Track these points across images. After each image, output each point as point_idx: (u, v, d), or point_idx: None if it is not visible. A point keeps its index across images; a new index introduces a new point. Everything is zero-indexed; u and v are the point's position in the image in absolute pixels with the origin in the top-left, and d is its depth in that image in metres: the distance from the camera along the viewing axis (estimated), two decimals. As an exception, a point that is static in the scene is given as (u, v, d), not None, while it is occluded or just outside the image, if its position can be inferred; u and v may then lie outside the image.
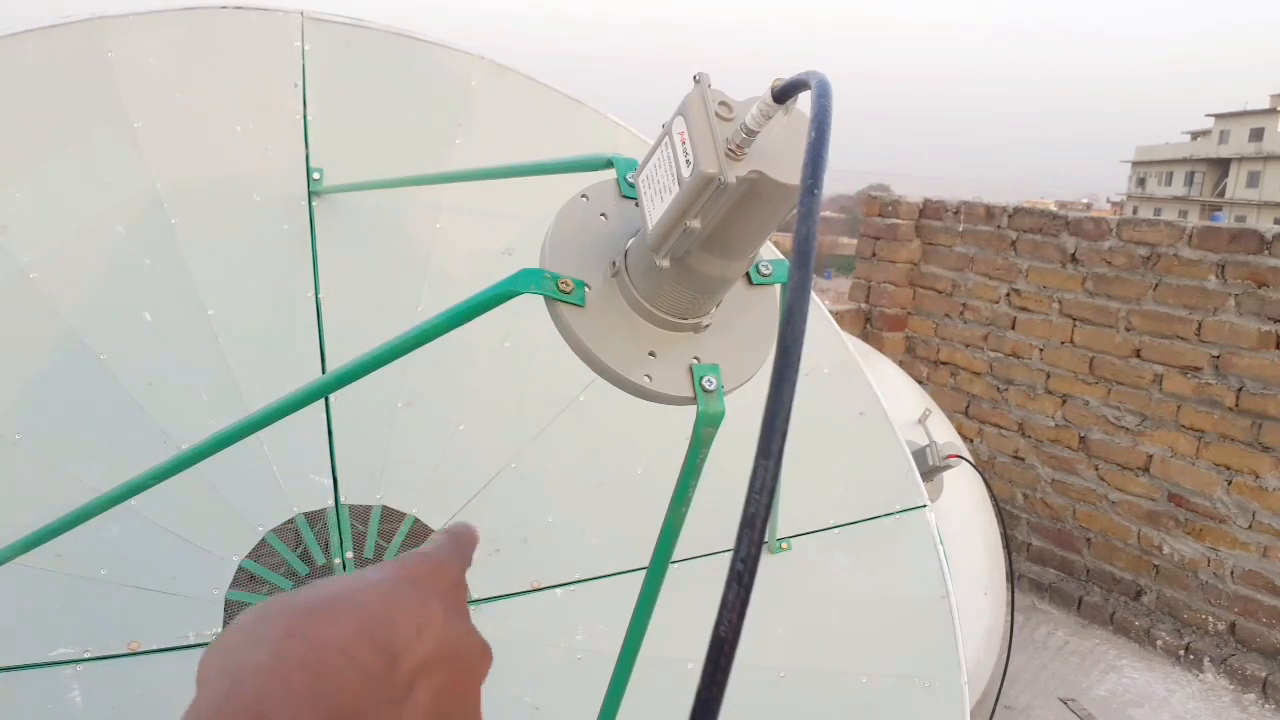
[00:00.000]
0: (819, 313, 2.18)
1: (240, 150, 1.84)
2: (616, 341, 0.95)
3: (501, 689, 1.86)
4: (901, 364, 5.27)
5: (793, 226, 0.63)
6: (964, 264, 5.13)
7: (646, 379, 0.95)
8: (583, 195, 1.00)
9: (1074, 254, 4.66)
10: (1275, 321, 4.02)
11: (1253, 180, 55.74)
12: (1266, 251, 4.05)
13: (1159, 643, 4.37)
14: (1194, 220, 4.56)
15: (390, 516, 1.88)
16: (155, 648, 1.64)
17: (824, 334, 2.14)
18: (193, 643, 1.67)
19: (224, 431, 1.21)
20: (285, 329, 1.84)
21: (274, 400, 1.18)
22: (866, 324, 5.56)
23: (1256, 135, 56.29)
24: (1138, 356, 4.47)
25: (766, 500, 0.54)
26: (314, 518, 1.82)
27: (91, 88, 1.73)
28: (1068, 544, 4.84)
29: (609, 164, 1.03)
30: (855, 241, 5.82)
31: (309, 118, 1.89)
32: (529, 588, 1.91)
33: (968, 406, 5.21)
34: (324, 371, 1.82)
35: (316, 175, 1.88)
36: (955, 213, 5.18)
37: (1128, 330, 4.48)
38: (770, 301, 1.03)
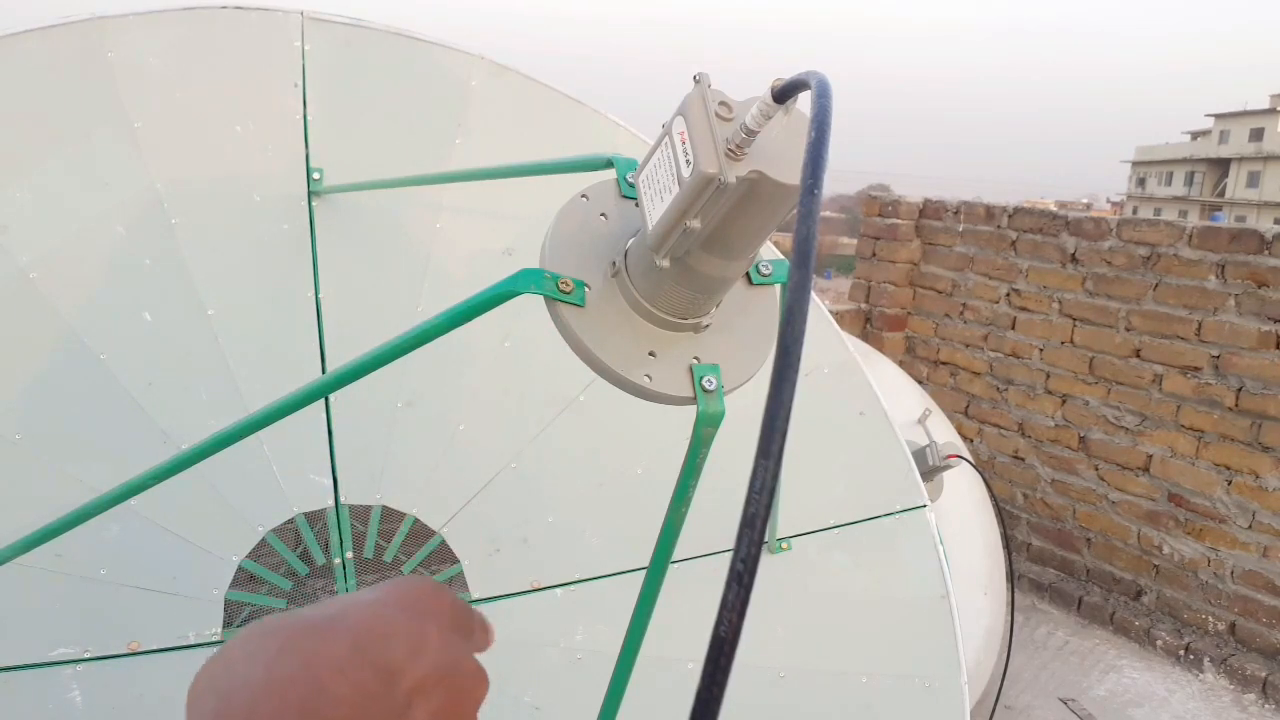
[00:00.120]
0: (819, 313, 2.18)
1: (240, 150, 1.84)
2: (616, 341, 0.95)
3: (502, 689, 1.85)
4: (901, 364, 5.27)
5: (793, 226, 0.63)
6: (964, 264, 5.13)
7: (646, 379, 0.95)
8: (583, 195, 1.00)
9: (1074, 254, 4.66)
10: (1275, 321, 4.02)
11: (1253, 180, 55.73)
12: (1266, 251, 4.05)
13: (1159, 643, 4.37)
14: (1194, 220, 4.56)
15: (390, 516, 1.88)
16: (155, 648, 1.64)
17: (824, 334, 2.14)
18: (193, 643, 1.67)
19: (224, 431, 1.21)
20: (285, 329, 1.84)
21: (274, 400, 1.18)
22: (866, 324, 5.56)
23: (1256, 135, 56.28)
24: (1138, 356, 4.47)
25: (766, 500, 0.54)
26: (314, 518, 1.82)
27: (91, 88, 1.73)
28: (1068, 544, 4.84)
29: (609, 164, 1.03)
30: (855, 241, 5.82)
31: (309, 118, 1.89)
32: (529, 588, 1.91)
33: (968, 406, 5.21)
34: (324, 371, 1.82)
35: (316, 175, 1.88)
36: (955, 213, 5.18)
37: (1128, 330, 4.48)
38: (770, 301, 1.03)
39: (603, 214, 0.99)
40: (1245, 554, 4.18)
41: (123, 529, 1.64)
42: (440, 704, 0.53)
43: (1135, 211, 56.48)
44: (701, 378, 0.95)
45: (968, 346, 5.16)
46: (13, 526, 1.43)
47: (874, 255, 5.47)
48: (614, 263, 0.96)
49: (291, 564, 1.83)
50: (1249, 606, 4.19)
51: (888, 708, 1.94)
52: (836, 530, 2.04)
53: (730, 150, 0.79)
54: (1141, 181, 66.35)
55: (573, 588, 1.92)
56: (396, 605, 0.56)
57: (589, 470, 2.00)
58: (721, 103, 0.82)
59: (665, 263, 0.89)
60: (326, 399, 1.84)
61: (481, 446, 1.94)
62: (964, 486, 3.49)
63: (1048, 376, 4.82)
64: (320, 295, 1.86)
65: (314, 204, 1.88)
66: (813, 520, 2.03)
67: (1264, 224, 4.53)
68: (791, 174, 0.80)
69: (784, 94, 0.76)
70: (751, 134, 0.79)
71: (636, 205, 0.93)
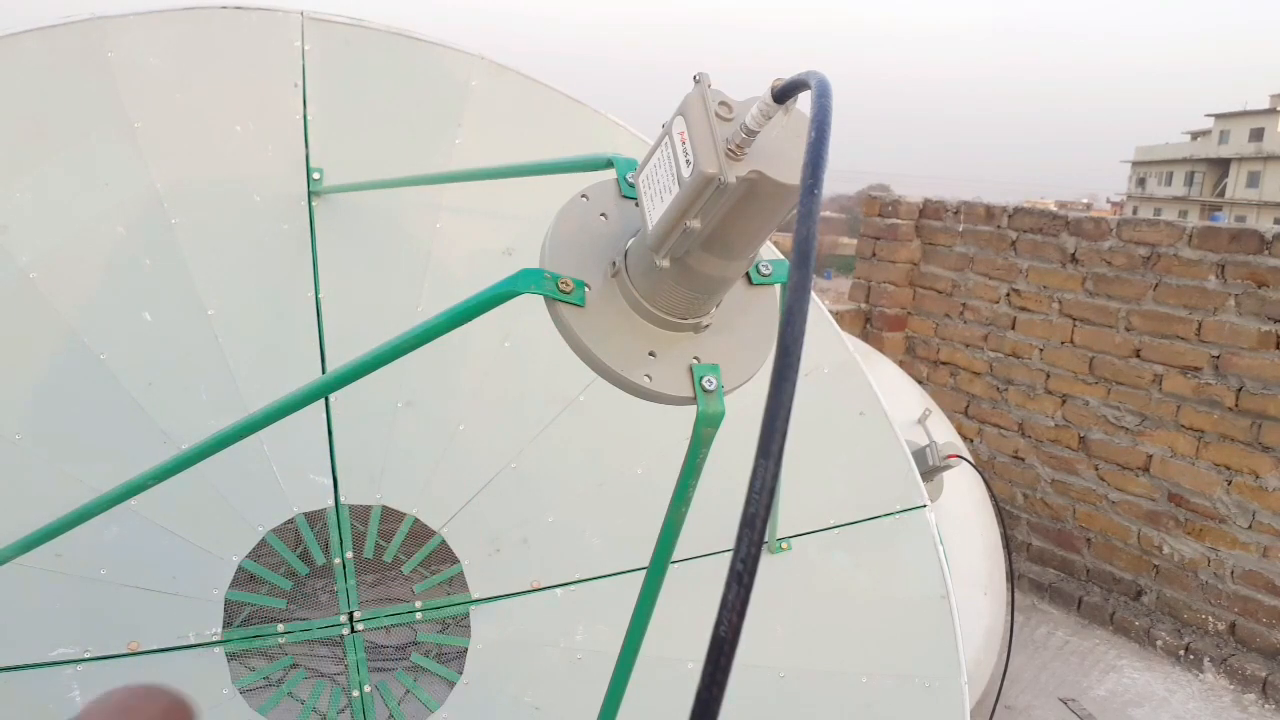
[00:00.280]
0: (819, 313, 2.18)
1: (240, 150, 1.84)
2: (616, 341, 0.95)
3: (501, 689, 1.86)
4: (901, 364, 5.27)
5: (793, 226, 0.64)
6: (964, 264, 5.13)
7: (646, 379, 0.95)
8: (583, 195, 1.00)
9: (1074, 254, 4.66)
10: (1275, 321, 4.02)
11: (1253, 180, 55.73)
12: (1266, 251, 4.05)
13: (1159, 643, 4.37)
14: (1194, 220, 4.56)
15: (390, 516, 1.88)
16: (155, 648, 1.64)
17: (824, 334, 2.14)
18: (193, 643, 1.67)
19: (224, 431, 1.21)
20: (285, 329, 1.84)
21: (274, 400, 1.18)
22: (866, 324, 5.56)
23: (1256, 135, 56.28)
24: (1138, 356, 4.47)
25: (766, 500, 0.54)
26: (314, 518, 1.82)
27: (91, 88, 1.73)
28: (1068, 544, 4.84)
29: (609, 164, 1.03)
30: (855, 241, 5.82)
31: (309, 118, 1.89)
32: (529, 588, 1.91)
33: (968, 406, 5.21)
34: (324, 371, 1.82)
35: (316, 175, 1.88)
36: (955, 213, 5.18)
37: (1128, 330, 4.48)
38: (770, 301, 1.03)
39: (603, 214, 1.00)
40: (1245, 554, 4.19)
41: (123, 529, 1.64)
42: None
43: (1135, 211, 56.47)
44: (701, 378, 0.95)
45: (968, 346, 5.16)
46: (13, 526, 1.43)
47: (874, 255, 5.47)
48: (614, 263, 0.96)
49: (291, 564, 1.83)
50: (1249, 606, 4.20)
51: (888, 708, 1.94)
52: (836, 530, 2.04)
53: (730, 150, 0.79)
54: (1141, 181, 66.35)
55: (573, 588, 1.92)
56: (104, 715, 0.60)
57: (589, 470, 2.00)
58: (721, 103, 0.82)
59: (665, 263, 0.89)
60: (326, 399, 1.84)
61: (481, 446, 1.94)
62: (964, 486, 3.49)
63: (1048, 376, 4.82)
64: (320, 295, 1.86)
65: (314, 204, 1.88)
66: (813, 520, 2.03)
67: (1264, 224, 4.53)
68: (791, 174, 0.80)
69: (784, 94, 0.76)
70: (751, 134, 0.79)
71: (636, 205, 0.93)
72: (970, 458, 3.25)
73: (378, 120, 1.97)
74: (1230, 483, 4.23)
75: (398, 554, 2.10)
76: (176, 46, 1.82)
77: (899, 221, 5.35)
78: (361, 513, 1.84)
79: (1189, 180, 61.74)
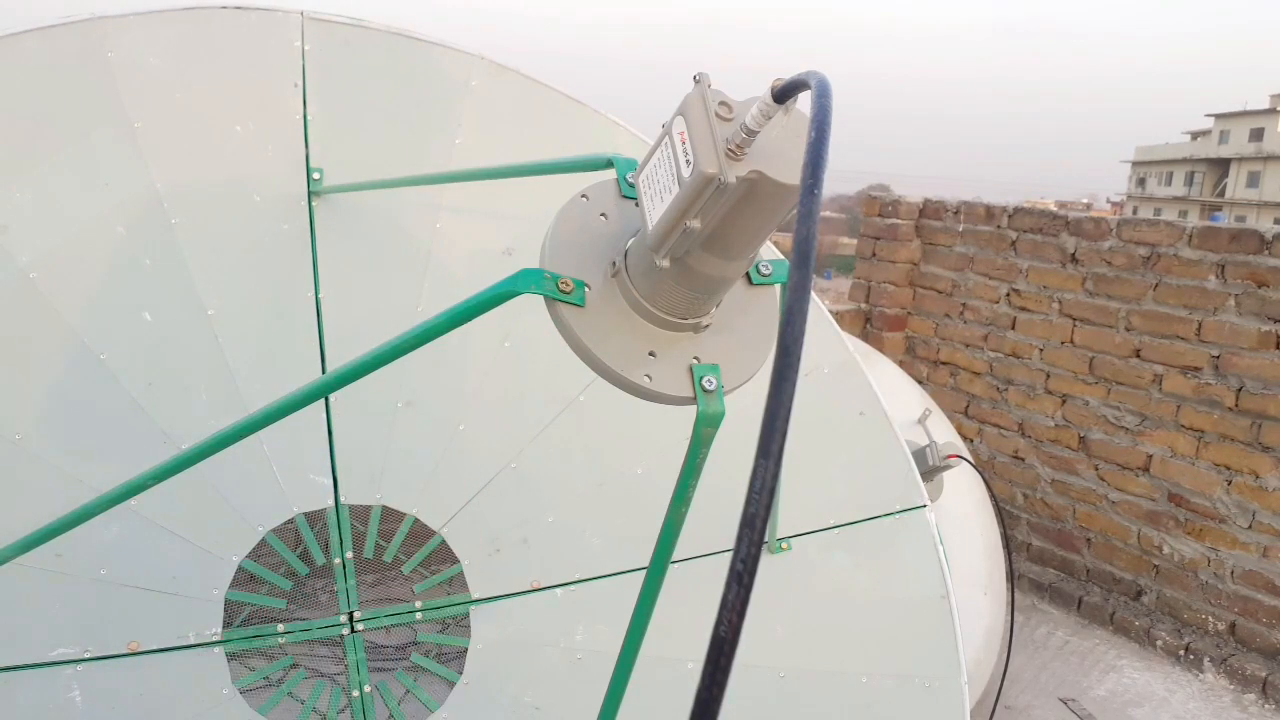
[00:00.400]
0: (819, 313, 2.18)
1: (240, 150, 1.84)
2: (616, 341, 0.95)
3: (501, 689, 1.86)
4: (901, 364, 5.27)
5: (793, 226, 0.64)
6: (964, 264, 5.13)
7: (646, 379, 0.95)
8: (583, 195, 1.00)
9: (1074, 254, 4.66)
10: (1275, 321, 4.02)
11: (1253, 180, 55.72)
12: (1266, 251, 4.05)
13: (1159, 643, 4.37)
14: (1194, 220, 4.56)
15: (390, 516, 1.88)
16: (155, 648, 1.64)
17: (824, 334, 2.14)
18: (193, 643, 1.67)
19: (224, 431, 1.21)
20: (285, 329, 1.84)
21: (274, 400, 1.18)
22: (866, 324, 5.56)
23: (1256, 135, 56.27)
24: (1138, 356, 4.47)
25: (766, 500, 0.54)
26: (314, 518, 1.82)
27: (91, 88, 1.73)
28: (1068, 544, 4.84)
29: (609, 164, 1.03)
30: (855, 241, 5.82)
31: (309, 118, 1.89)
32: (529, 588, 1.91)
33: (968, 406, 5.21)
34: (324, 371, 1.82)
35: (316, 175, 1.88)
36: (955, 213, 5.18)
37: (1128, 330, 4.48)
38: (770, 301, 1.03)
39: (603, 214, 1.00)
40: (1245, 554, 4.19)
41: (123, 529, 1.64)
42: None
43: (1135, 211, 56.45)
44: (701, 378, 0.95)
45: (968, 346, 5.16)
46: (13, 526, 1.43)
47: (874, 255, 5.47)
48: (614, 263, 0.96)
49: (291, 564, 1.83)
50: (1249, 606, 4.20)
51: (888, 708, 1.94)
52: (836, 530, 2.04)
53: (730, 150, 0.79)
54: (1141, 181, 66.34)
55: (573, 588, 1.92)
56: None
57: (589, 470, 2.00)
58: (721, 103, 0.82)
59: (665, 263, 0.89)
60: (326, 399, 1.84)
61: (481, 446, 1.94)
62: (964, 486, 3.49)
63: (1048, 376, 4.82)
64: (320, 295, 1.86)
65: (314, 204, 1.88)
66: (813, 520, 2.03)
67: (1264, 224, 4.53)
68: (791, 174, 0.80)
69: (784, 94, 0.76)
70: (751, 134, 0.79)
71: (636, 205, 0.93)
72: (970, 458, 3.25)
73: (378, 120, 1.97)
74: (1230, 483, 4.23)
75: (398, 554, 2.10)
76: (176, 46, 1.82)
77: (899, 221, 5.35)
78: (361, 513, 1.84)
79: (1189, 180, 61.73)
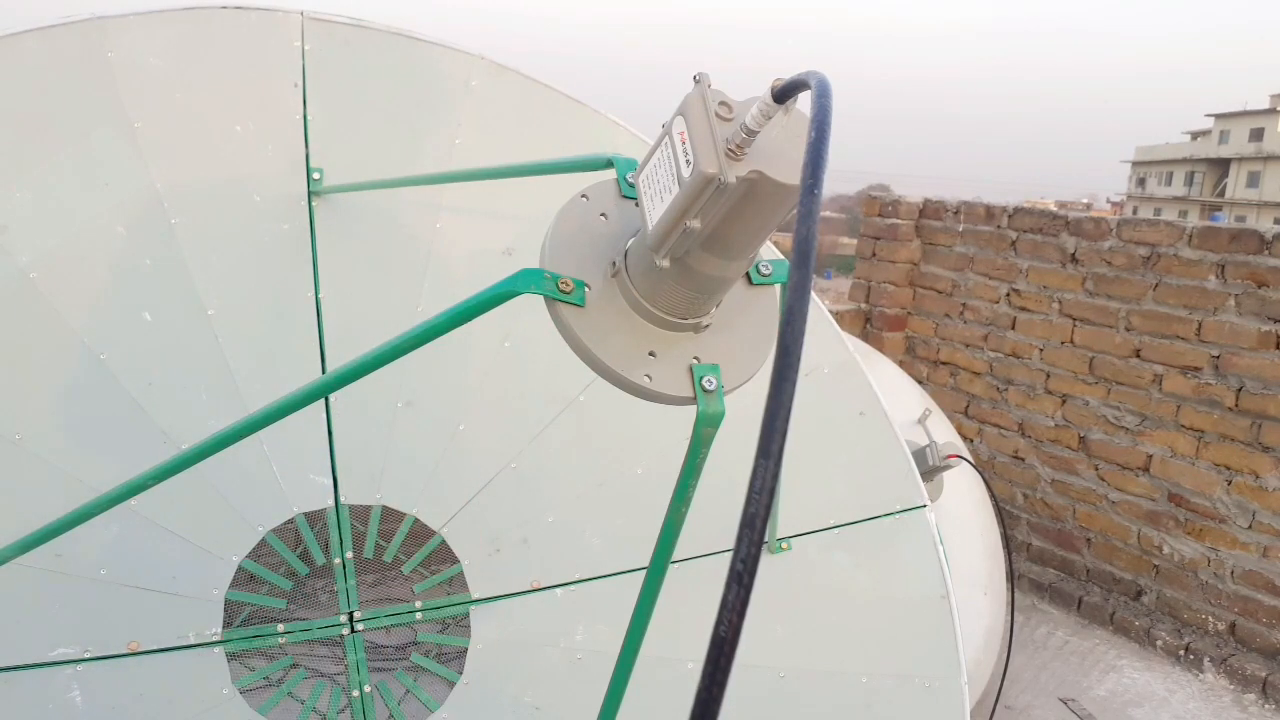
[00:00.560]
0: (819, 313, 2.18)
1: (240, 150, 1.84)
2: (616, 341, 0.95)
3: (502, 689, 1.86)
4: (901, 364, 5.27)
5: (793, 226, 0.64)
6: (964, 264, 5.13)
7: (646, 379, 0.95)
8: (583, 195, 1.00)
9: (1074, 254, 4.66)
10: (1275, 321, 4.02)
11: (1253, 180, 55.70)
12: (1266, 251, 4.05)
13: (1159, 643, 4.37)
14: (1194, 220, 4.56)
15: (390, 516, 1.88)
16: (155, 648, 1.64)
17: (824, 334, 2.14)
18: (192, 643, 1.67)
19: (224, 431, 1.21)
20: (285, 329, 1.84)
21: (274, 400, 1.18)
22: (866, 324, 5.56)
23: (1256, 135, 56.26)
24: (1138, 356, 4.47)
25: (766, 500, 0.54)
26: (314, 518, 1.82)
27: (91, 88, 1.73)
28: (1068, 544, 4.84)
29: (609, 164, 1.03)
30: (855, 241, 5.82)
31: (309, 118, 1.89)
32: (529, 588, 1.91)
33: (968, 406, 5.21)
34: (324, 371, 1.82)
35: (316, 175, 1.88)
36: (955, 213, 5.18)
37: (1128, 330, 4.48)
38: (770, 301, 1.03)
39: (603, 214, 1.00)
40: (1245, 554, 4.19)
41: (123, 529, 1.64)
42: None
43: (1135, 211, 56.44)
44: (701, 378, 0.95)
45: (968, 346, 5.16)
46: (13, 526, 1.43)
47: (874, 255, 5.47)
48: (614, 263, 0.96)
49: (291, 564, 1.83)
50: (1249, 606, 4.20)
51: (888, 708, 1.94)
52: (836, 530, 2.04)
53: (730, 150, 0.79)
54: (1141, 181, 66.33)
55: (573, 588, 1.92)
56: None
57: (589, 470, 2.00)
58: (721, 103, 0.82)
59: (665, 263, 0.89)
60: (326, 399, 1.84)
61: (481, 446, 1.94)
62: (964, 486, 3.49)
63: (1048, 376, 4.82)
64: (320, 295, 1.86)
65: (314, 204, 1.88)
66: (813, 520, 2.03)
67: (1264, 224, 4.53)
68: (791, 174, 0.80)
69: (784, 94, 0.76)
70: (751, 134, 0.79)
71: (636, 205, 0.93)
72: (970, 458, 3.25)
73: (378, 120, 1.97)
74: (1230, 483, 4.23)
75: (398, 554, 2.10)
76: (176, 46, 1.82)
77: (899, 221, 5.35)
78: (361, 513, 1.84)
79: (1189, 180, 61.71)
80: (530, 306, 1.02)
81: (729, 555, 0.52)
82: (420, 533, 1.90)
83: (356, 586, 1.84)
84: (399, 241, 1.97)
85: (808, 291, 0.58)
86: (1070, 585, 4.83)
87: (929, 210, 5.35)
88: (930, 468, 2.96)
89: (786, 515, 1.98)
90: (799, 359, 0.56)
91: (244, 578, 1.74)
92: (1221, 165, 59.28)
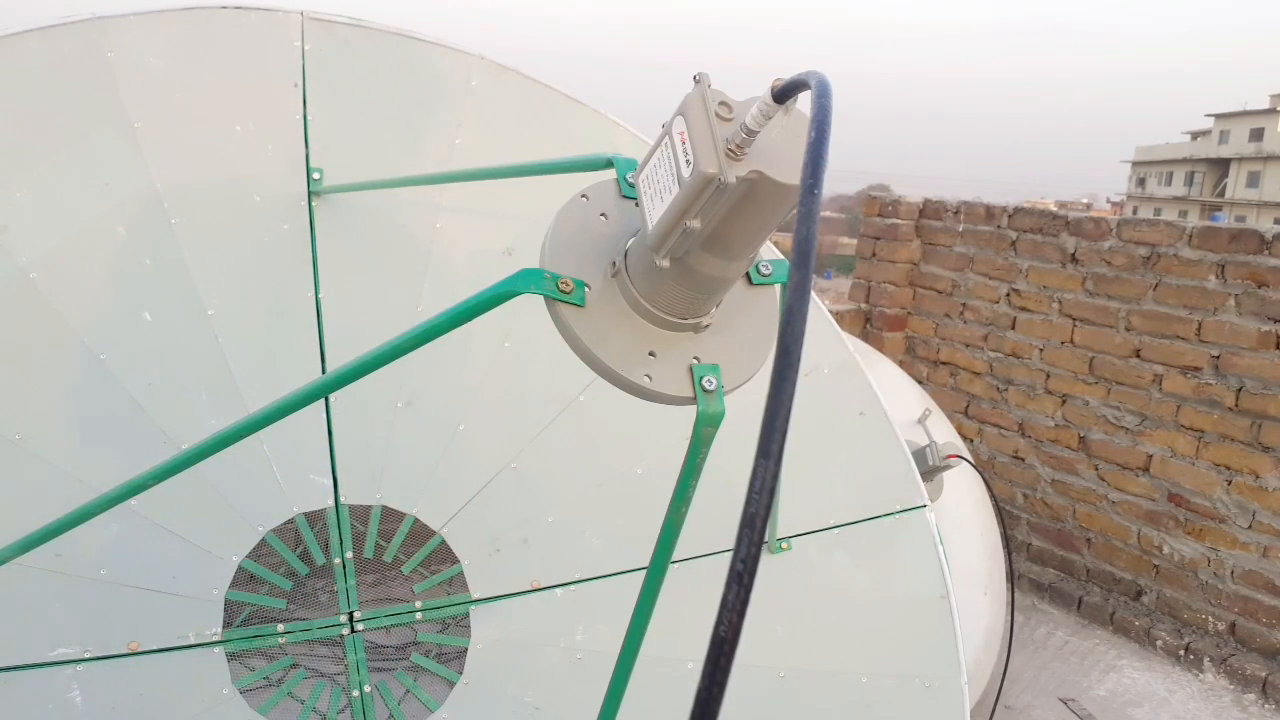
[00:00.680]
0: (819, 313, 2.18)
1: (240, 150, 1.84)
2: (616, 341, 0.95)
3: (502, 689, 1.86)
4: (901, 364, 5.27)
5: (793, 226, 0.64)
6: (964, 264, 5.13)
7: (646, 379, 0.95)
8: (583, 195, 1.00)
9: (1074, 254, 4.66)
10: (1275, 321, 4.02)
11: (1253, 180, 55.69)
12: (1266, 251, 4.05)
13: (1159, 643, 4.37)
14: (1194, 220, 4.56)
15: (390, 516, 1.88)
16: (155, 648, 1.64)
17: (824, 334, 2.14)
18: (192, 643, 1.67)
19: (224, 431, 1.21)
20: (285, 329, 1.84)
21: (274, 400, 1.18)
22: (866, 324, 5.56)
23: (1256, 135, 56.24)
24: (1138, 356, 4.47)
25: (766, 500, 0.54)
26: (314, 518, 1.82)
27: (91, 88, 1.73)
28: (1068, 544, 4.84)
29: (609, 164, 1.03)
30: (855, 241, 5.82)
31: (309, 118, 1.89)
32: (529, 588, 1.91)
33: (968, 406, 5.21)
34: (324, 371, 1.82)
35: (316, 175, 1.88)
36: (955, 213, 5.18)
37: (1128, 330, 4.48)
38: (770, 301, 1.03)
39: (603, 214, 1.00)
40: (1245, 554, 4.19)
41: (123, 529, 1.64)
42: None
43: (1135, 211, 56.43)
44: (701, 378, 0.95)
45: (968, 346, 5.16)
46: (13, 526, 1.43)
47: (874, 255, 5.47)
48: (614, 263, 0.96)
49: (291, 564, 1.83)
50: (1249, 606, 4.19)
51: (888, 708, 1.94)
52: (836, 530, 2.04)
53: (730, 150, 0.79)
54: (1141, 181, 66.32)
55: (573, 588, 1.92)
56: None
57: (589, 470, 2.00)
58: (721, 103, 0.82)
59: (665, 263, 0.89)
60: (326, 399, 1.84)
61: (481, 446, 1.94)
62: (964, 486, 3.49)
63: (1048, 376, 4.82)
64: (320, 295, 1.86)
65: (314, 204, 1.88)
66: (813, 520, 2.03)
67: (1264, 224, 4.53)
68: (791, 174, 0.80)
69: (784, 94, 0.76)
70: (751, 134, 0.79)
71: (636, 205, 0.93)
72: (970, 458, 3.25)
73: (378, 120, 1.97)
74: (1230, 483, 4.23)
75: (398, 554, 2.10)
76: (176, 46, 1.82)
77: (899, 221, 5.35)
78: (361, 513, 1.84)
79: (1189, 180, 61.71)
80: (530, 306, 1.02)
81: (729, 555, 0.52)
82: (420, 533, 1.90)
83: (356, 586, 1.84)
84: (399, 242, 1.97)
85: (808, 291, 0.58)
86: (1070, 585, 4.83)
87: (929, 210, 5.35)
88: (930, 468, 2.96)
89: (786, 515, 1.98)
90: (799, 359, 0.56)
91: (244, 578, 1.74)
92: (1221, 165, 59.27)
